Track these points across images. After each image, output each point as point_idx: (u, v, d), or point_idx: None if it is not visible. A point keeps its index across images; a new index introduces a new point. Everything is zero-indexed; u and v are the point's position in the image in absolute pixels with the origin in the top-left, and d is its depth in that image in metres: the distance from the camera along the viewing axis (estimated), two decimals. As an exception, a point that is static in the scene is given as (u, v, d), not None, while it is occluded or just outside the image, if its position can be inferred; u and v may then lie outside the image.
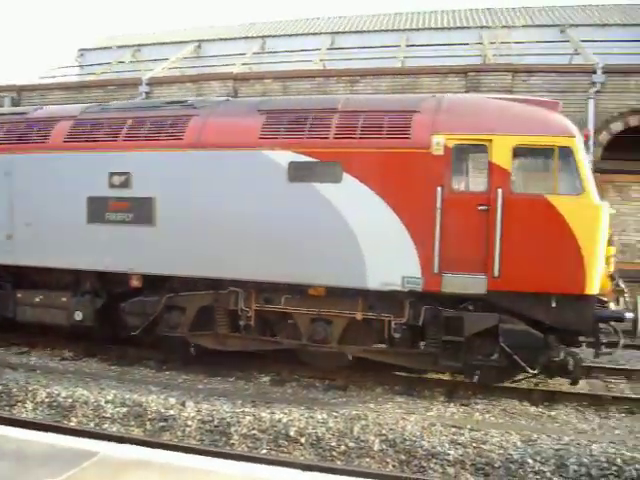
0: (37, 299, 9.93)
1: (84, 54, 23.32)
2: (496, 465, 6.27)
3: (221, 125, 8.94)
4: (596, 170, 15.06)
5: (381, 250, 8.04)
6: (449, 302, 8.11)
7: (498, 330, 7.89)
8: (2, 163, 9.93)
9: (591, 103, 14.96)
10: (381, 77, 16.09)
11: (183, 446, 6.40)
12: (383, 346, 8.64)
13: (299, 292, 8.64)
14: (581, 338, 8.43)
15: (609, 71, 14.98)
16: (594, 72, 14.95)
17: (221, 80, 17.14)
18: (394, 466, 6.42)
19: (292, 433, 6.90)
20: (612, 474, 6.02)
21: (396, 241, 7.98)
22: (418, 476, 6.16)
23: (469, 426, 7.12)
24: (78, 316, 9.63)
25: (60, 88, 18.68)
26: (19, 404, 7.89)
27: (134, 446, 5.72)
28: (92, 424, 7.39)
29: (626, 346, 9.75)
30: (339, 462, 6.47)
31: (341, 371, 9.08)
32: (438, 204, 7.81)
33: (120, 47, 22.56)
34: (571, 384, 8.62)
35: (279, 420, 7.16)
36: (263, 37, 21.80)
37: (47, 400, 7.90)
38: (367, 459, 6.51)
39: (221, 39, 22.02)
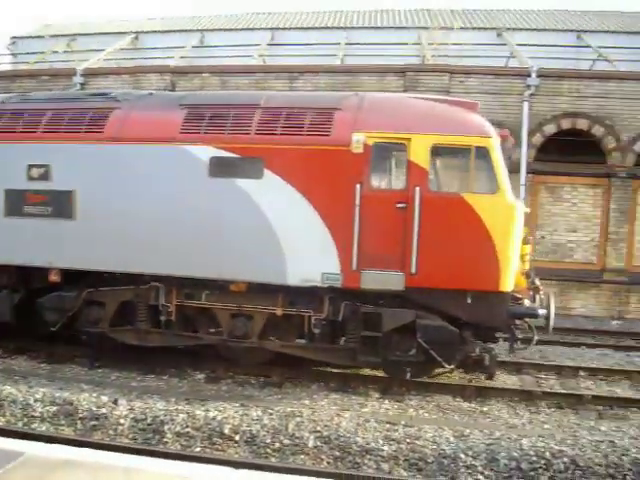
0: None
1: (16, 42, 22.48)
2: (429, 460, 6.36)
3: (142, 119, 8.81)
4: (529, 171, 15.59)
5: (301, 246, 8.06)
6: (369, 298, 8.20)
7: (415, 326, 8.02)
8: None
9: (525, 105, 15.38)
10: (320, 74, 16.14)
11: (115, 445, 6.28)
12: (303, 342, 8.67)
13: (220, 288, 8.59)
14: (498, 334, 8.64)
15: (543, 75, 15.42)
16: (529, 75, 15.38)
17: (159, 73, 16.86)
18: (329, 462, 6.43)
19: (226, 431, 6.84)
20: (541, 467, 6.17)
21: (316, 238, 8.01)
22: (352, 472, 6.17)
23: (403, 422, 7.19)
24: (-6, 312, 9.33)
25: (-10, 77, 18.04)
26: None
27: (63, 446, 5.56)
28: (20, 424, 7.17)
29: (544, 342, 10.11)
30: (273, 459, 6.45)
31: (276, 368, 9.05)
32: (357, 201, 7.87)
33: (55, 36, 21.85)
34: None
35: (213, 418, 7.09)
36: (202, 31, 21.52)
37: (-28, 400, 7.61)
38: (302, 456, 6.50)
39: (159, 31, 21.66)
